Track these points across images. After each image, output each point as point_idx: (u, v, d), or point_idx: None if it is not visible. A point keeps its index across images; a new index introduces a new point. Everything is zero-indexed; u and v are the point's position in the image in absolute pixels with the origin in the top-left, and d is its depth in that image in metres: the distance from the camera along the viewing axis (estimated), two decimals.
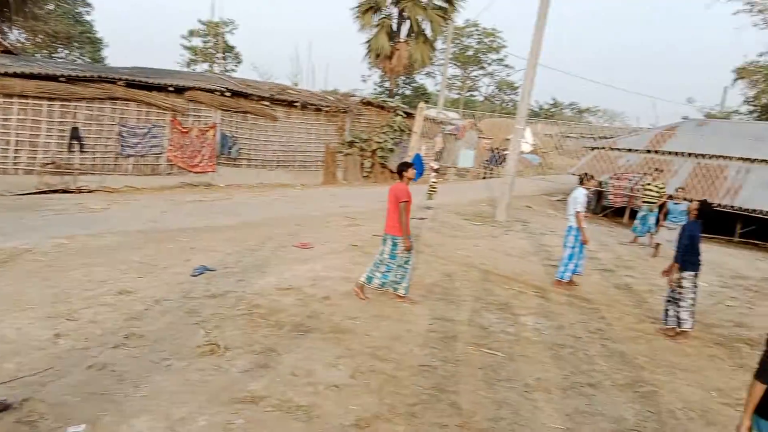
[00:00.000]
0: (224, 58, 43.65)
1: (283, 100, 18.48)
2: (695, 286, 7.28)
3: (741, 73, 27.90)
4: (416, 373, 5.40)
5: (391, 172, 21.93)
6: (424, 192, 15.12)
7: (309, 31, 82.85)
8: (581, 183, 9.41)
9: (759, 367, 3.20)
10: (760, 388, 3.18)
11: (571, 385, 5.52)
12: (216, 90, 16.80)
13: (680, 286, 7.21)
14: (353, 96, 22.52)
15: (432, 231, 12.49)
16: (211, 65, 42.01)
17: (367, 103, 21.77)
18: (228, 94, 17.07)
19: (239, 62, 45.45)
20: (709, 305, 9.18)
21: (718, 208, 12.42)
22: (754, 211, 13.93)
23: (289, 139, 18.95)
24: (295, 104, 18.68)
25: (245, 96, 17.57)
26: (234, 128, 17.40)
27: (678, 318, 7.26)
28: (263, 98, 17.97)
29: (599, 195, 19.46)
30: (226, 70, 42.58)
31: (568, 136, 36.03)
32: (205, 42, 43.17)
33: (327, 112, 19.72)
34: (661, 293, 9.50)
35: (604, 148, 19.87)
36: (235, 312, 6.55)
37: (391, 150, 21.57)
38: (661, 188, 13.28)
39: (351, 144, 20.64)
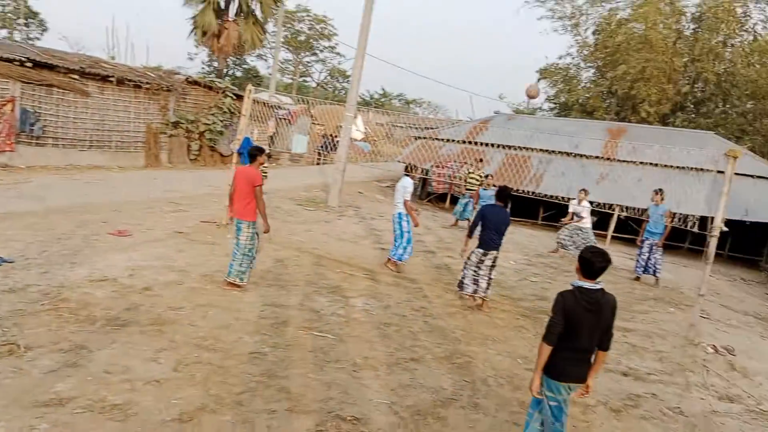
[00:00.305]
0: (26, 25, 38.52)
1: (96, 74, 16.75)
2: (480, 261, 7.94)
3: (543, 73, 31.16)
4: (245, 362, 5.28)
5: (221, 155, 21.10)
6: None
7: (125, 2, 76.13)
8: (407, 172, 9.84)
9: (545, 332, 3.79)
10: (546, 349, 3.75)
11: (396, 361, 5.79)
12: (15, 59, 14.73)
13: (469, 258, 8.05)
14: (178, 74, 21.15)
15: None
16: (11, 32, 36.84)
17: (194, 83, 20.59)
18: (29, 64, 15.06)
19: (44, 30, 40.53)
20: (516, 281, 10.20)
21: (524, 195, 13.78)
22: (552, 197, 15.71)
23: (104, 117, 17.27)
24: (110, 79, 17.04)
25: (50, 67, 15.62)
26: (37, 103, 15.43)
27: (462, 282, 8.09)
28: (72, 71, 16.13)
29: (423, 182, 20.59)
30: (29, 39, 37.66)
31: (397, 126, 37.59)
32: (3, 6, 37.71)
33: (148, 89, 18.29)
34: None
35: (427, 138, 21.01)
36: (38, 308, 5.84)
37: (221, 132, 20.71)
38: (482, 177, 14.33)
39: (176, 125, 19.43)
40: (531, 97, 12.95)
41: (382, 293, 8.13)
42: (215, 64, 35.71)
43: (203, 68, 45.07)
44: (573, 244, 12.90)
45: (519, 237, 15.36)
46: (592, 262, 3.69)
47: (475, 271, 7.97)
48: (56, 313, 5.77)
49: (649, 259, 11.21)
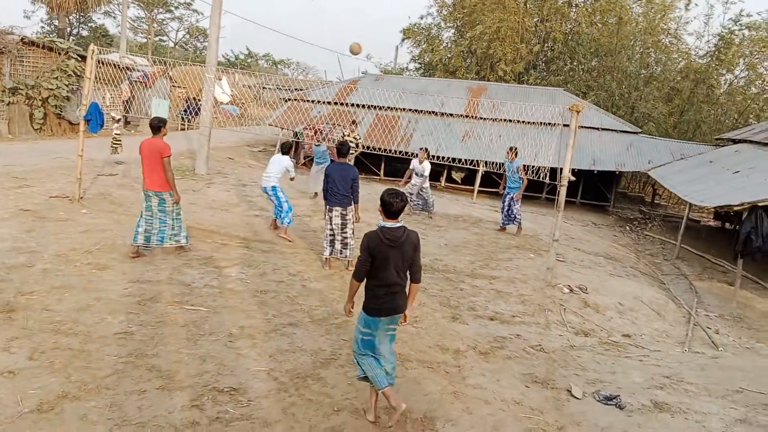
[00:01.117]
0: None
1: None
2: (329, 220, 7.97)
3: (407, 33, 31.57)
4: (110, 343, 4.98)
5: (70, 123, 19.25)
6: (108, 146, 13.70)
7: None
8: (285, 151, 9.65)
9: (354, 269, 4.21)
10: (354, 285, 4.23)
11: (274, 328, 5.76)
12: None
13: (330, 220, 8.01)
14: (11, 34, 18.77)
15: (124, 188, 11.43)
16: None
17: (31, 43, 18.43)
18: None
19: None
20: None
21: (395, 155, 14.03)
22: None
23: None
24: None
25: None
26: None
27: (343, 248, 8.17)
28: None
29: (297, 145, 20.27)
30: None
31: (266, 88, 36.45)
32: None
33: None
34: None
35: (297, 99, 20.64)
36: None
37: (67, 98, 18.85)
38: (358, 139, 14.29)
39: (14, 91, 17.37)
40: (354, 53, 13.04)
41: (257, 261, 7.99)
42: (56, 22, 32.19)
43: (43, 27, 40.55)
44: (422, 201, 13.12)
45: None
46: (391, 203, 4.06)
47: (330, 232, 8.00)
48: None
49: (510, 210, 11.86)
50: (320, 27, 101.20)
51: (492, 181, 17.88)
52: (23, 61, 18.02)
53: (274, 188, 9.29)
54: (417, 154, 13.07)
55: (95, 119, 9.17)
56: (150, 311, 5.79)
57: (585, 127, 17.49)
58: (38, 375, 4.33)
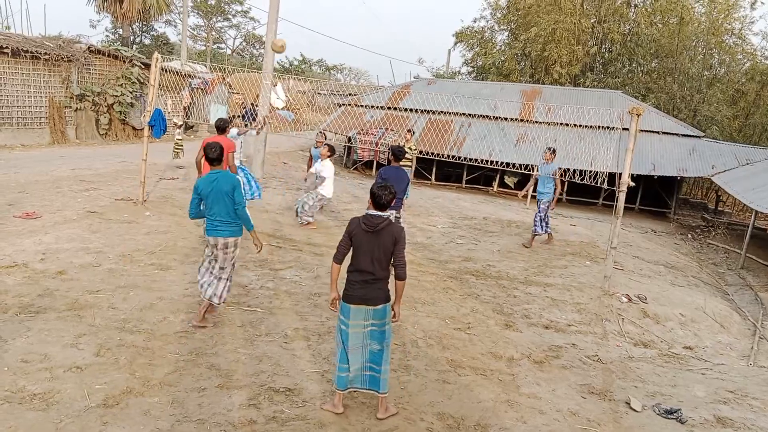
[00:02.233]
0: None
1: None
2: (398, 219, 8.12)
3: (459, 37, 31.36)
4: (172, 342, 5.16)
5: (134, 128, 20.08)
6: (170, 150, 14.19)
7: None
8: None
9: (336, 253, 4.27)
10: (334, 267, 4.27)
11: (328, 330, 5.83)
12: None
13: None
14: (79, 42, 19.74)
15: (184, 191, 11.81)
16: None
17: (97, 52, 19.33)
18: None
19: None
20: (442, 244, 10.44)
21: (447, 159, 13.98)
22: (474, 160, 16.08)
23: (1, 91, 15.99)
24: (5, 50, 15.73)
25: None
26: None
27: None
28: None
29: (349, 150, 20.49)
30: None
31: (319, 93, 36.97)
32: None
33: (47, 60, 17.04)
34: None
35: (350, 104, 20.85)
36: None
37: (131, 104, 19.67)
38: (413, 150, 13.10)
39: (81, 98, 18.25)
40: (276, 50, 12.05)
41: (310, 264, 8.11)
42: (120, 31, 33.62)
43: (107, 36, 42.31)
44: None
45: (444, 201, 15.68)
46: (379, 195, 4.12)
47: None
48: None
49: (546, 216, 10.84)
50: (372, 32, 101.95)
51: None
52: (90, 68, 18.91)
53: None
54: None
55: (159, 125, 9.53)
56: (209, 311, 5.95)
57: (645, 131, 16.95)
58: (104, 371, 4.52)
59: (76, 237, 7.90)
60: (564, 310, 7.45)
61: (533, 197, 16.92)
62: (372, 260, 4.13)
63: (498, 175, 18.69)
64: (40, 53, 16.78)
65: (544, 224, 10.76)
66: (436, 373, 5.20)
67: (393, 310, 4.29)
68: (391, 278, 4.21)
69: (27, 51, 16.42)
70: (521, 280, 8.55)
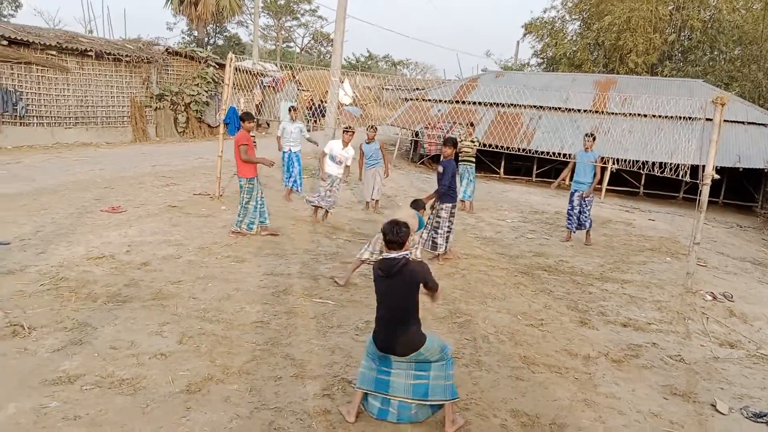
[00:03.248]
0: None
1: (75, 49, 16.39)
2: (452, 215, 8.12)
3: (528, 28, 30.63)
4: (249, 331, 5.31)
5: (209, 126, 20.85)
6: None
7: None
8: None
9: None
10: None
11: None
12: None
13: (438, 216, 8.06)
14: (157, 45, 20.71)
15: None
16: None
17: (175, 53, 20.19)
18: (5, 42, 14.70)
19: (18, 6, 39.31)
20: (512, 239, 10.25)
21: (516, 152, 13.71)
22: (545, 153, 15.68)
23: (86, 92, 16.97)
24: (89, 53, 16.68)
25: (27, 45, 15.27)
26: (18, 82, 15.12)
27: (433, 242, 8.11)
28: (50, 47, 15.76)
29: (415, 144, 20.46)
30: (2, 16, 36.61)
31: (386, 88, 37.13)
32: None
33: (128, 62, 17.94)
34: (473, 230, 10.41)
35: (417, 99, 20.80)
36: (38, 288, 5.83)
37: (207, 103, 20.43)
38: (475, 143, 12.48)
39: (160, 97, 19.13)
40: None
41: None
42: (195, 33, 34.95)
43: (183, 38, 44.21)
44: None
45: (514, 195, 15.39)
46: (388, 234, 3.80)
47: (449, 227, 8.15)
48: (57, 292, 5.76)
49: (581, 212, 9.97)
50: (439, 26, 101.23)
51: (622, 180, 16.90)
52: (168, 69, 19.78)
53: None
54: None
55: (233, 123, 9.81)
56: (282, 303, 6.10)
57: (729, 121, 15.99)
58: (187, 358, 4.71)
59: (158, 230, 8.28)
60: (643, 308, 7.14)
61: (610, 191, 16.43)
62: (389, 306, 3.82)
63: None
64: (122, 56, 17.70)
65: (584, 218, 9.99)
66: (509, 370, 5.10)
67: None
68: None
69: (110, 54, 17.36)
70: (596, 276, 8.27)
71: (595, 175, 9.88)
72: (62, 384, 4.13)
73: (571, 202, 10.05)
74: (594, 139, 10.08)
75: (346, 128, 9.90)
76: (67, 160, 13.55)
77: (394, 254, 3.81)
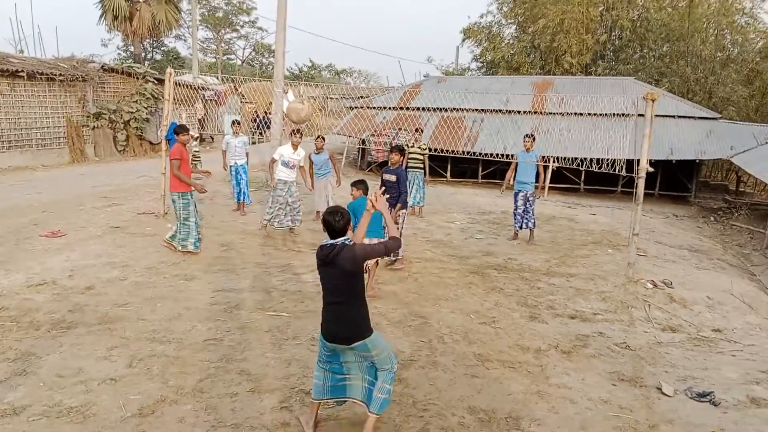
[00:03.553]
0: None
1: (5, 70, 15.73)
2: (404, 221, 8.37)
3: (467, 33, 31.20)
4: (201, 349, 5.23)
5: (151, 143, 20.36)
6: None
7: None
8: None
9: None
10: None
11: None
12: None
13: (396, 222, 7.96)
14: (92, 62, 20.09)
15: (202, 202, 11.95)
16: None
17: (111, 70, 19.65)
18: None
19: None
20: (462, 240, 10.43)
21: (461, 155, 13.96)
22: (489, 154, 16.02)
23: (19, 114, 16.30)
24: (20, 74, 16.06)
25: None
26: None
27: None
28: None
29: (363, 152, 20.53)
30: None
31: (330, 98, 37.11)
32: None
33: (62, 81, 17.34)
34: (423, 234, 10.54)
35: (362, 107, 20.90)
36: None
37: (147, 120, 19.95)
38: (423, 149, 12.17)
39: (98, 116, 18.55)
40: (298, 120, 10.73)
41: None
42: (131, 48, 34.08)
43: (119, 54, 43.03)
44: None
45: (462, 197, 15.65)
46: (329, 222, 3.80)
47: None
48: None
49: (525, 211, 10.13)
50: (379, 34, 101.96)
51: (563, 177, 17.43)
52: (104, 87, 19.22)
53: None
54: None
55: (174, 139, 9.63)
56: (235, 318, 6.03)
57: (660, 116, 16.71)
58: (137, 381, 4.60)
59: (102, 252, 8.04)
60: (589, 300, 7.41)
61: (552, 188, 16.93)
62: (333, 291, 3.82)
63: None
64: (55, 75, 17.10)
65: (528, 218, 10.16)
66: (464, 368, 5.20)
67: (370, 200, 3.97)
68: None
69: (42, 73, 16.75)
70: (544, 272, 8.52)
71: (538, 174, 10.15)
72: (7, 416, 3.98)
73: (516, 201, 10.26)
74: (533, 139, 10.32)
75: (294, 131, 9.79)
76: (1, 186, 12.97)
77: (329, 241, 3.82)
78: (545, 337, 6.07)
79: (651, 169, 8.36)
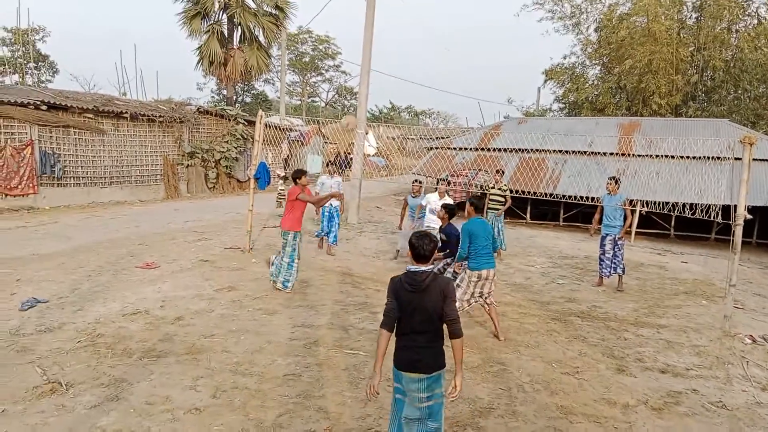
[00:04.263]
0: (37, 68, 39.35)
1: (110, 112, 17.14)
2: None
3: (549, 74, 31.02)
4: (281, 384, 5.32)
5: (238, 181, 21.35)
6: (274, 200, 14.92)
7: (133, 38, 77.56)
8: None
9: (383, 318, 3.75)
10: (382, 335, 3.71)
11: None
12: (29, 103, 15.12)
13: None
14: (189, 105, 21.52)
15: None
16: (22, 76, 37.69)
17: (205, 112, 20.95)
18: (44, 107, 15.46)
19: (55, 72, 41.27)
20: (543, 285, 10.14)
21: (542, 197, 13.70)
22: (571, 197, 15.63)
23: (121, 153, 17.63)
24: (124, 115, 17.42)
25: (65, 109, 16.02)
26: (55, 144, 15.81)
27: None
28: (86, 110, 16.52)
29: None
30: (41, 82, 38.47)
31: (409, 138, 37.66)
32: (12, 51, 38.53)
33: (161, 122, 18.65)
34: (503, 277, 10.34)
35: (441, 148, 21.05)
36: (75, 345, 5.96)
37: (236, 159, 20.99)
38: (504, 191, 12.20)
39: (192, 155, 19.74)
40: (346, 126, 11.41)
41: None
42: (224, 92, 36.21)
43: (213, 97, 45.79)
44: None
45: (542, 240, 15.29)
46: (418, 246, 3.69)
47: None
48: (94, 349, 5.88)
49: (614, 256, 9.82)
50: (462, 76, 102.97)
51: (652, 222, 16.68)
52: (199, 128, 20.47)
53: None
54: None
55: (263, 177, 10.10)
56: (314, 354, 6.11)
57: (758, 160, 15.78)
58: (220, 413, 4.73)
59: (191, 284, 8.43)
60: (681, 353, 6.95)
61: (639, 233, 16.23)
62: (420, 319, 3.65)
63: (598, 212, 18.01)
64: (156, 116, 18.41)
65: (616, 263, 9.81)
66: (546, 420, 4.99)
67: (455, 382, 3.66)
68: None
69: (144, 115, 18.08)
70: (631, 322, 8.10)
71: (625, 218, 9.80)
72: None
73: (602, 246, 9.90)
74: (616, 182, 9.99)
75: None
76: (102, 219, 13.97)
77: (419, 268, 3.70)
78: (634, 392, 5.74)
79: (749, 216, 7.87)
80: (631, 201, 14.03)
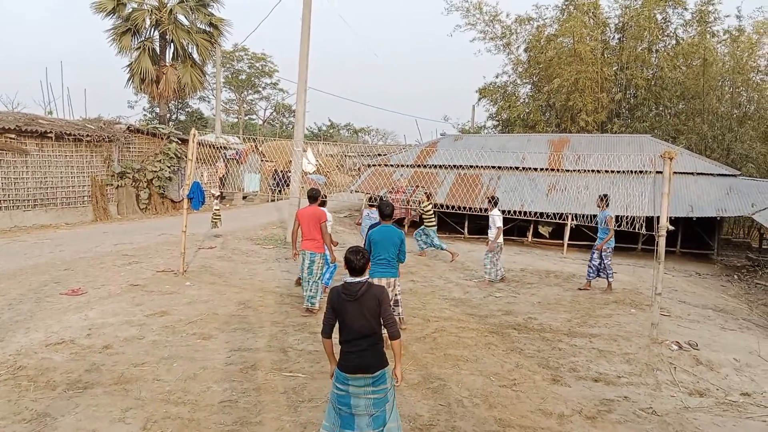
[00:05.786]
0: None
1: (34, 132, 16.30)
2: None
3: (482, 92, 31.93)
4: (216, 412, 5.15)
5: (173, 201, 20.72)
6: (209, 220, 14.55)
7: (59, 56, 74.49)
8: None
9: (323, 327, 4.11)
10: (325, 342, 4.12)
11: None
12: None
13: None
14: (119, 123, 20.77)
15: (222, 259, 12.05)
16: None
17: (136, 131, 20.28)
18: None
19: None
20: (481, 298, 10.31)
21: (478, 213, 13.99)
22: (506, 211, 16.01)
23: (46, 174, 16.77)
24: (49, 135, 16.61)
25: None
26: None
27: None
28: (8, 130, 15.66)
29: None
30: None
31: (348, 156, 37.75)
32: None
33: (89, 142, 17.89)
34: (441, 292, 10.45)
35: (379, 165, 21.20)
36: None
37: (169, 179, 20.38)
38: (426, 209, 14.30)
39: (122, 175, 19.02)
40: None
41: None
42: (157, 110, 35.24)
43: (145, 115, 44.46)
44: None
45: (480, 254, 15.56)
46: (351, 260, 4.04)
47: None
48: (15, 382, 5.52)
49: (601, 263, 11.16)
50: (399, 94, 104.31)
51: (582, 234, 17.31)
52: (129, 147, 19.78)
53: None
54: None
55: (197, 197, 9.85)
56: (251, 379, 5.95)
57: (679, 173, 16.73)
58: None
59: (120, 311, 8.07)
60: (612, 362, 7.20)
61: (571, 246, 16.79)
62: (359, 326, 3.96)
63: (531, 226, 18.54)
64: (83, 135, 17.65)
65: (600, 270, 11.21)
66: None
67: (395, 374, 4.10)
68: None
69: (70, 134, 17.30)
70: (565, 332, 8.34)
71: (608, 231, 10.96)
72: None
73: (591, 254, 11.37)
74: (602, 199, 11.12)
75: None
76: (25, 243, 13.21)
77: (355, 279, 4.03)
78: (568, 402, 5.89)
79: (671, 228, 8.28)
80: (564, 215, 14.51)
